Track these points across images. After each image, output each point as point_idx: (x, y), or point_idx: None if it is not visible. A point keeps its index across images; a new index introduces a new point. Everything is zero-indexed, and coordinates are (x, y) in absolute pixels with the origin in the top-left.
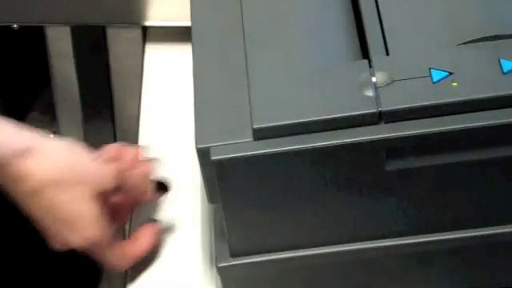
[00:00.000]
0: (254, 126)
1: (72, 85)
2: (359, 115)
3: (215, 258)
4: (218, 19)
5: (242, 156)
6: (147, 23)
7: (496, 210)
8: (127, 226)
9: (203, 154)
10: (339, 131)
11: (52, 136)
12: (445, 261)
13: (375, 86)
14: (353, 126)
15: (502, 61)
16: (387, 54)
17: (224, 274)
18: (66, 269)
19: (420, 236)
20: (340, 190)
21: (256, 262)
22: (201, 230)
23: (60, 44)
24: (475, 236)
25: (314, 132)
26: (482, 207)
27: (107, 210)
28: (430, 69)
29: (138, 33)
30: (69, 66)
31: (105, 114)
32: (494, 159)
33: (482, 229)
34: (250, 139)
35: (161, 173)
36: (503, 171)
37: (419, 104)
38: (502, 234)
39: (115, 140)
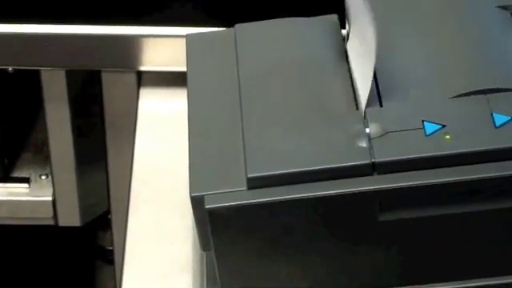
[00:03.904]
0: (249, 175)
1: (66, 127)
2: (353, 166)
3: None
4: (214, 67)
5: (235, 205)
6: (142, 68)
7: (491, 261)
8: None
9: (197, 202)
10: (333, 182)
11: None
12: None
13: (369, 138)
14: (346, 177)
15: (494, 115)
16: (381, 105)
17: None
18: None
19: (414, 287)
20: (333, 239)
21: None
22: (192, 276)
23: (55, 87)
24: (470, 287)
25: (307, 182)
26: (477, 258)
27: None
28: (423, 121)
29: (132, 77)
30: (63, 108)
31: (98, 156)
32: (487, 211)
33: (477, 280)
34: (244, 188)
35: (153, 217)
36: (496, 223)
37: (412, 156)
38: (498, 286)
39: (107, 179)
